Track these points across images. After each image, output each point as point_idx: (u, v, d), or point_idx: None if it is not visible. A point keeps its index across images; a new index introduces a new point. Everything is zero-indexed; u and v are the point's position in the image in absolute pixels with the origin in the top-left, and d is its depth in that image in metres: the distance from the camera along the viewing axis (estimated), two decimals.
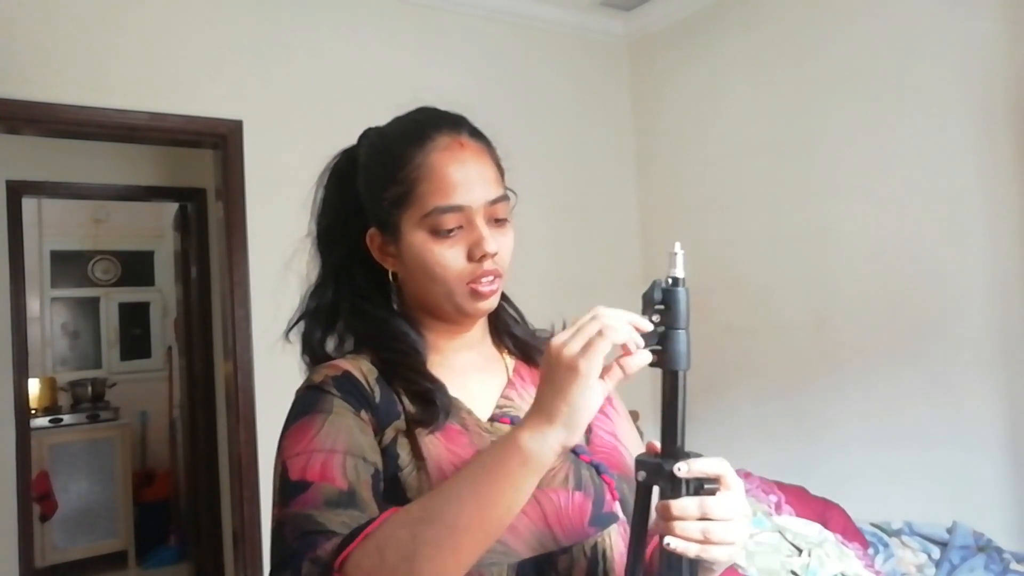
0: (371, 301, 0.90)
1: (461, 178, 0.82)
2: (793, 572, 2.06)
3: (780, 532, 2.20)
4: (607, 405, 0.96)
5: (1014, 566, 2.18)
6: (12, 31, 2.42)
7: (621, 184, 3.71)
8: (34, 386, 4.47)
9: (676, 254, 0.70)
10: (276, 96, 2.83)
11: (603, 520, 0.83)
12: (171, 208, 4.54)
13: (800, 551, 2.13)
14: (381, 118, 0.93)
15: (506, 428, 0.85)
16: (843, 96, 2.80)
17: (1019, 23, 2.33)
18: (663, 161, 3.61)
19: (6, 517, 3.43)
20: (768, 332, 3.10)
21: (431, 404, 0.81)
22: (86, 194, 4.17)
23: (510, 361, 0.94)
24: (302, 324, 0.92)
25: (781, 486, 2.53)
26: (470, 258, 0.82)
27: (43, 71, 2.46)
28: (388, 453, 0.78)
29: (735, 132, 3.23)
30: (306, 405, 0.79)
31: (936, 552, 2.35)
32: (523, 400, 0.89)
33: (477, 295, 0.83)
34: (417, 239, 0.83)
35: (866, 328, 2.75)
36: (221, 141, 2.75)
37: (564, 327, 0.96)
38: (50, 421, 4.63)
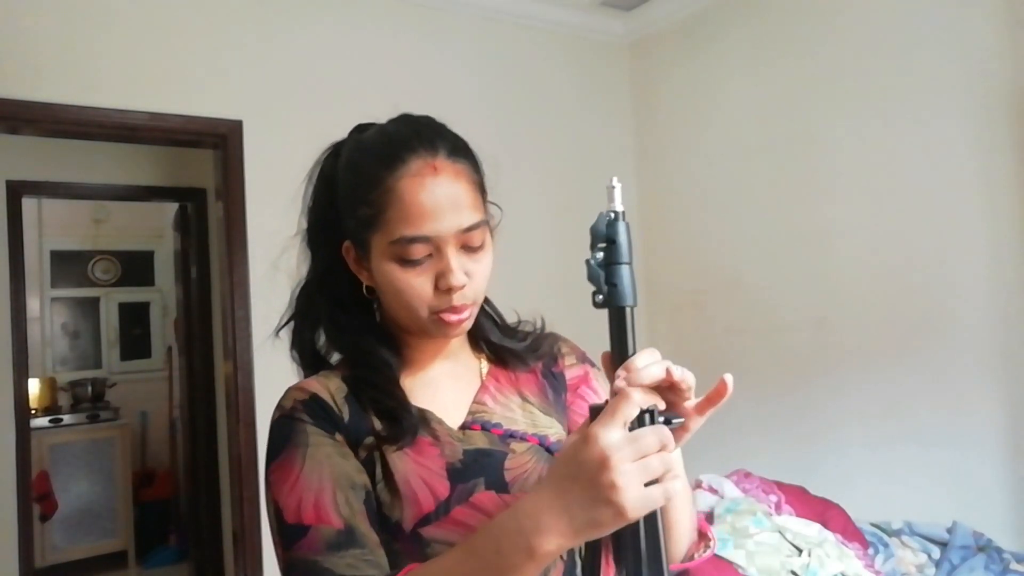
0: (349, 311, 0.88)
1: (431, 206, 0.78)
2: (793, 572, 2.06)
3: (780, 532, 2.20)
4: (583, 386, 0.96)
5: (1014, 566, 2.18)
6: (12, 31, 2.42)
7: (621, 184, 3.70)
8: (34, 386, 4.47)
9: (614, 187, 0.67)
10: (276, 96, 2.83)
11: None
12: (171, 208, 4.54)
13: (800, 551, 2.13)
14: (380, 117, 0.93)
15: (477, 434, 0.85)
16: (843, 96, 2.80)
17: (1019, 23, 2.33)
18: (663, 161, 3.61)
19: (6, 517, 3.43)
20: (768, 332, 3.10)
21: (397, 423, 0.81)
22: (86, 194, 4.16)
23: (485, 365, 0.93)
24: (292, 322, 0.93)
25: (781, 486, 2.53)
26: (437, 287, 0.80)
27: (43, 71, 2.46)
28: (363, 469, 0.80)
29: (735, 132, 3.23)
30: (282, 439, 0.79)
31: (936, 552, 2.35)
32: (496, 403, 0.89)
33: (443, 324, 0.82)
34: (385, 265, 0.81)
35: (866, 328, 2.75)
36: (221, 141, 2.75)
37: (543, 324, 0.97)
38: (50, 421, 4.63)
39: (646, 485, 0.58)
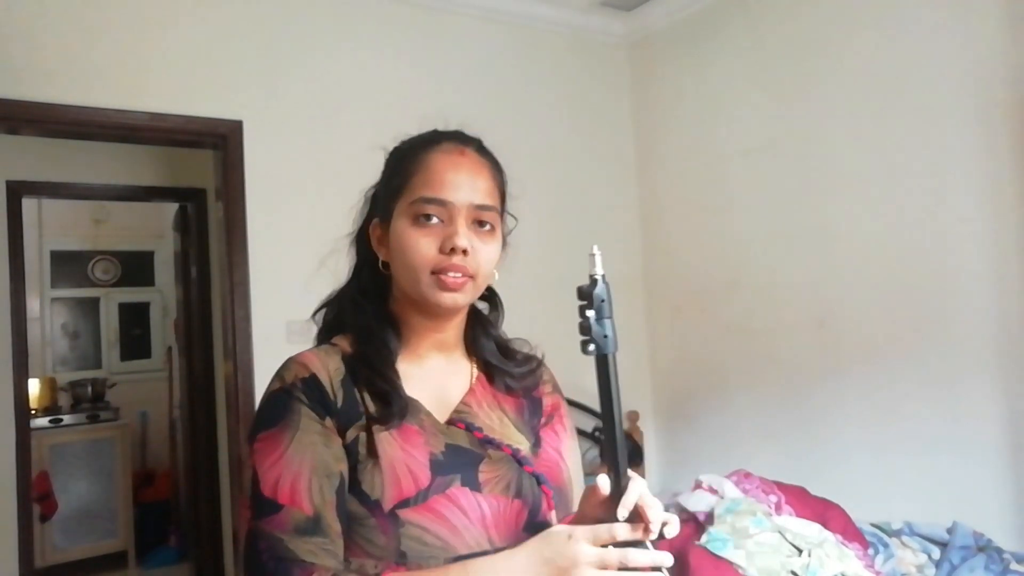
0: (369, 296, 0.98)
1: (451, 178, 0.90)
2: (793, 572, 2.06)
3: (780, 532, 2.20)
4: (557, 423, 1.04)
5: (1014, 566, 2.18)
6: (12, 31, 2.42)
7: (621, 184, 3.70)
8: (34, 386, 4.47)
9: (595, 255, 0.79)
10: (276, 96, 2.83)
11: (536, 528, 0.88)
12: (171, 208, 4.54)
13: (800, 551, 2.13)
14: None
15: (460, 432, 0.92)
16: (843, 96, 2.80)
17: (1019, 23, 2.33)
18: (663, 161, 3.61)
19: (6, 517, 3.43)
20: (768, 333, 3.10)
21: (388, 405, 0.88)
22: (86, 194, 4.17)
23: (475, 371, 1.01)
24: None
25: (781, 486, 2.53)
26: (441, 250, 0.88)
27: (43, 71, 2.46)
28: (350, 450, 0.86)
29: (735, 132, 3.23)
30: (276, 414, 0.86)
31: (936, 552, 2.35)
32: (480, 409, 0.97)
33: (441, 285, 0.89)
34: (401, 224, 0.91)
35: (866, 329, 2.74)
36: (221, 141, 2.75)
37: (543, 357, 1.05)
38: (50, 421, 4.62)
39: None
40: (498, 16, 3.34)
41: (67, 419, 4.71)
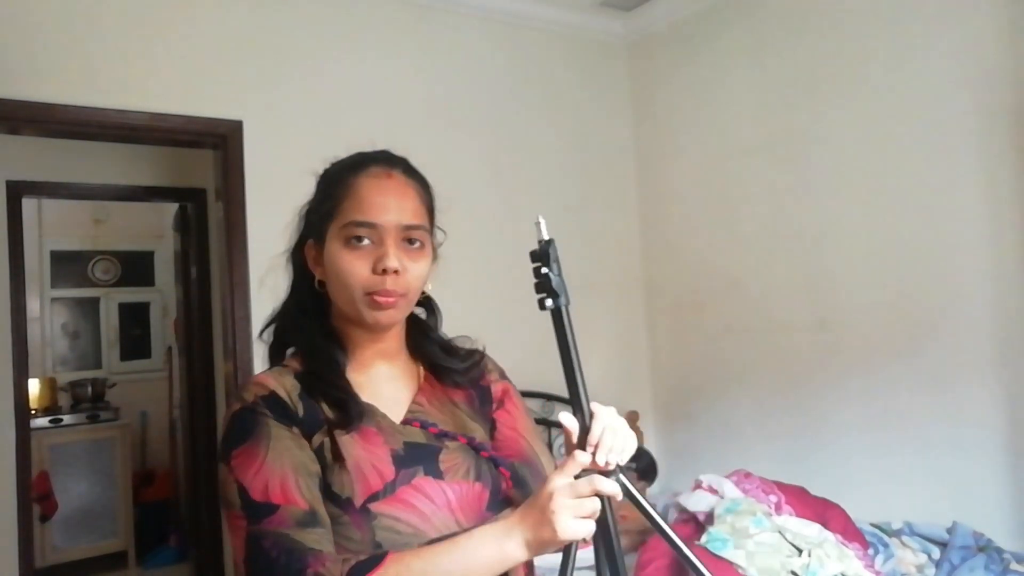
0: (309, 314, 1.03)
1: (380, 201, 0.96)
2: (793, 572, 2.06)
3: (780, 532, 2.20)
4: (508, 402, 1.11)
5: (1014, 566, 2.18)
6: (12, 31, 2.42)
7: (621, 184, 3.70)
8: (34, 386, 4.47)
9: (539, 223, 0.86)
10: (276, 96, 2.83)
11: (498, 506, 0.98)
12: (171, 208, 4.54)
13: (800, 551, 2.13)
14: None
15: (416, 431, 0.98)
16: (843, 96, 2.80)
17: (1019, 23, 2.33)
18: (663, 161, 3.61)
19: (6, 517, 3.43)
20: (768, 333, 3.10)
21: (346, 411, 0.94)
22: (86, 194, 4.16)
23: (422, 371, 1.07)
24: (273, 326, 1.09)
25: (781, 486, 2.53)
26: (374, 271, 0.94)
27: (43, 71, 2.46)
28: (317, 455, 0.91)
29: (735, 132, 3.23)
30: (245, 429, 0.90)
31: (936, 552, 2.35)
32: (431, 406, 1.03)
33: (375, 304, 0.95)
34: (334, 247, 0.96)
35: (866, 329, 2.74)
36: (221, 141, 2.75)
37: (483, 351, 1.14)
38: (50, 421, 4.62)
39: (583, 520, 0.80)
40: (498, 16, 3.34)
41: (67, 419, 4.71)
